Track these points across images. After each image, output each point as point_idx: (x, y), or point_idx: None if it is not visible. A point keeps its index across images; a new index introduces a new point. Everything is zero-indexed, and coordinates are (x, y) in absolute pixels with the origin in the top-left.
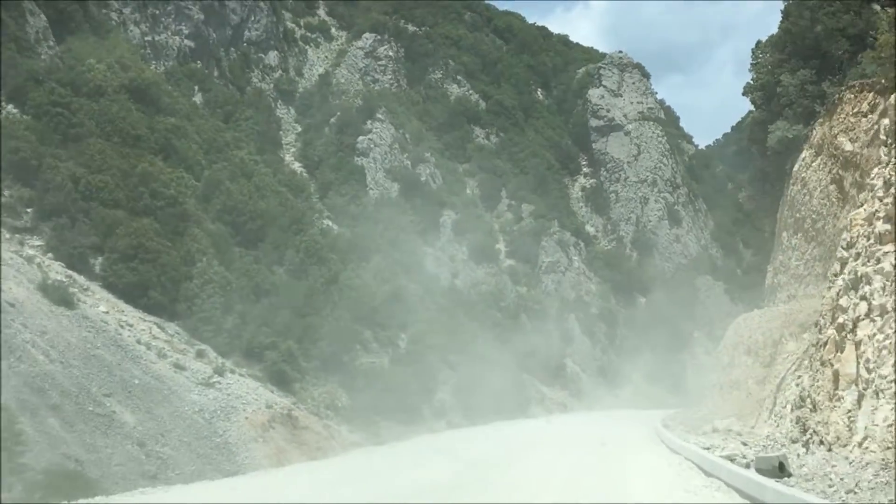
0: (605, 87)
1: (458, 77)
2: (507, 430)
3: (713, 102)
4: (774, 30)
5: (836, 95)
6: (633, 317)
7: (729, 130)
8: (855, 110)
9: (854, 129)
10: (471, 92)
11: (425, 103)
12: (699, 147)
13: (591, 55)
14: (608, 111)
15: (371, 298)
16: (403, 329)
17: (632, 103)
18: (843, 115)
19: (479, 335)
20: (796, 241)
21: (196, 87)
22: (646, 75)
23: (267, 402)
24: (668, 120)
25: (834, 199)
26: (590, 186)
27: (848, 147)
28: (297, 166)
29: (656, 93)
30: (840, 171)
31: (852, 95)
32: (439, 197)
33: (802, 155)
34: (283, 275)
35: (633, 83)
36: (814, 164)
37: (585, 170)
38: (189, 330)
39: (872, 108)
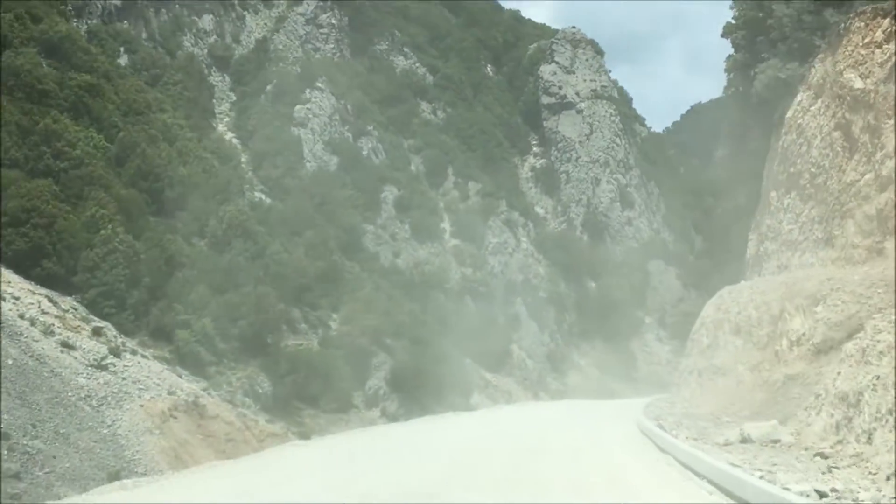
0: (557, 63)
1: (405, 49)
2: (439, 432)
3: (662, 94)
4: (724, 25)
5: (843, 25)
6: (583, 301)
7: (679, 119)
8: (866, 41)
9: (865, 62)
10: (417, 65)
11: (369, 75)
12: (652, 130)
13: (543, 31)
14: (560, 88)
15: (301, 275)
16: (336, 309)
17: (584, 81)
18: (850, 48)
19: (420, 318)
20: (789, 201)
21: (122, 49)
22: (599, 52)
23: (170, 388)
24: (621, 100)
25: (839, 149)
26: (540, 166)
27: (858, 84)
28: (230, 136)
29: (610, 71)
30: (847, 115)
31: (862, 24)
32: (381, 172)
33: (798, 98)
34: (203, 247)
35: (587, 60)
36: (812, 108)
37: (536, 149)
38: (88, 305)
39: (888, 38)
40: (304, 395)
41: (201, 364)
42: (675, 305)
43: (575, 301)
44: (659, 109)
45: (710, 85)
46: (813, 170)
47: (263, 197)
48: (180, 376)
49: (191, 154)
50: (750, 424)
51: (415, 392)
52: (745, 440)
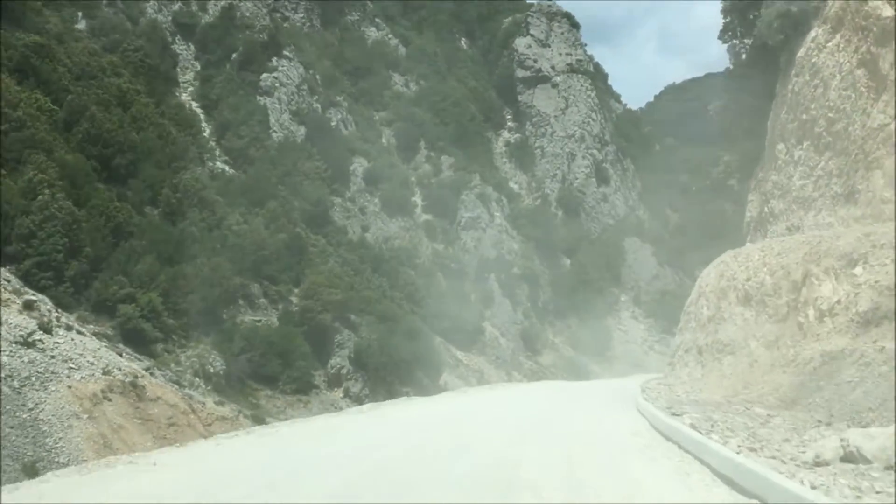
0: (532, 36)
1: (377, 20)
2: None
3: (636, 77)
4: (698, 9)
5: None
6: (558, 278)
7: (652, 100)
8: None
9: None
10: (390, 36)
11: (340, 45)
12: (627, 106)
13: (518, 5)
14: (535, 62)
15: (261, 247)
16: (298, 284)
17: (560, 55)
18: None
19: (388, 294)
20: (801, 152)
21: (80, 14)
22: (575, 26)
23: (105, 367)
24: (596, 74)
25: (862, 89)
26: (514, 140)
27: (886, 12)
28: (194, 105)
29: (586, 45)
30: (872, 48)
31: None
32: (351, 144)
33: (812, 34)
34: (156, 217)
35: (562, 33)
36: (829, 44)
37: (510, 123)
38: (23, 276)
39: None
40: (261, 375)
41: (147, 341)
42: (651, 283)
43: (549, 278)
44: (633, 91)
45: (684, 66)
46: (830, 115)
47: (226, 168)
48: (121, 354)
49: (146, 120)
50: (855, 431)
51: (381, 371)
52: (849, 458)
